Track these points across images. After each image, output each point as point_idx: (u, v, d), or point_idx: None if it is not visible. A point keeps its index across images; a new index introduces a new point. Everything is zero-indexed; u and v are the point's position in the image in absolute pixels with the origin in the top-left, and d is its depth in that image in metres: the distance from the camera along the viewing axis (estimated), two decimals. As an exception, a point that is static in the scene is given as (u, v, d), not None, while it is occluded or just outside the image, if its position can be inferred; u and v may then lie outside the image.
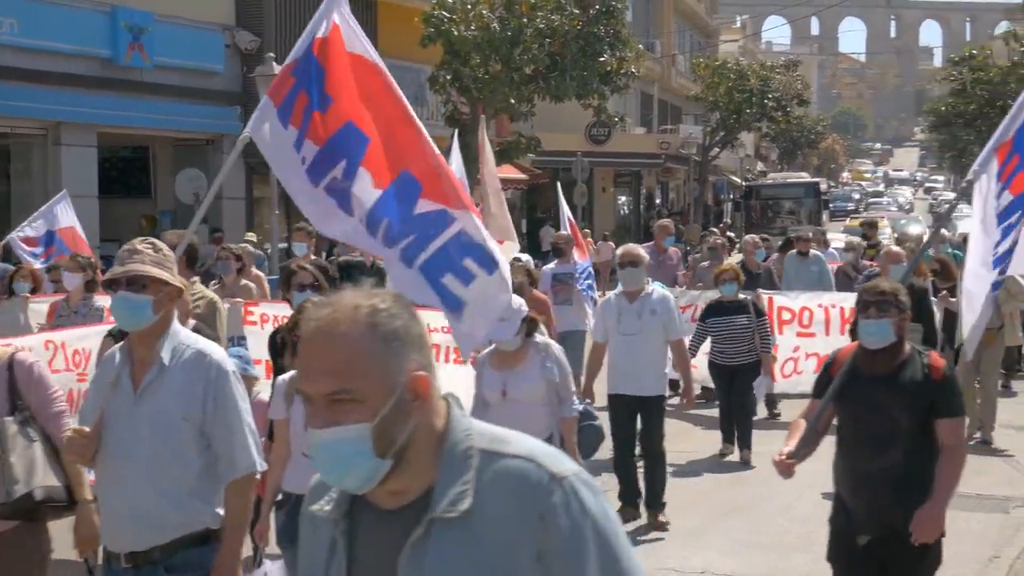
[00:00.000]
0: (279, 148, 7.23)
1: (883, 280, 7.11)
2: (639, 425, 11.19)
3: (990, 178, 7.22)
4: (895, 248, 15.91)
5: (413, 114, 7.27)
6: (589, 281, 15.34)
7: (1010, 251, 7.21)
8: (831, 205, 72.60)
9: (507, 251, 14.03)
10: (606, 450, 11.30)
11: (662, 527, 10.81)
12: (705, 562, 9.86)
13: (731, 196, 72.06)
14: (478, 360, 8.93)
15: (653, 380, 11.00)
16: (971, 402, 14.58)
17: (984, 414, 14.56)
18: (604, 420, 11.13)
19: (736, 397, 13.65)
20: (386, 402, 2.66)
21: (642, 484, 11.18)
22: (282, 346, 9.02)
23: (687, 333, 12.32)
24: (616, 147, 49.94)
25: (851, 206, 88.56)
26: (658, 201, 64.95)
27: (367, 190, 6.95)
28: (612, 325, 11.04)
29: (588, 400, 11.51)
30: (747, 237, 20.38)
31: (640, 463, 11.27)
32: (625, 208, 60.88)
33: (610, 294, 11.56)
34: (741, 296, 13.83)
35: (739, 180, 70.74)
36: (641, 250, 11.52)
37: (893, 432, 6.32)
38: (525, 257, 14.38)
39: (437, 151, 7.24)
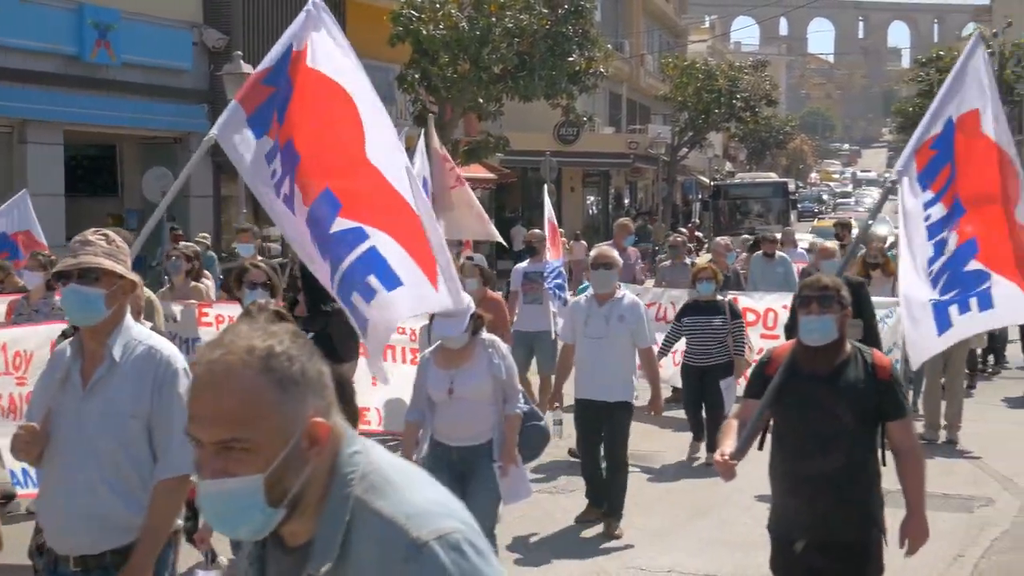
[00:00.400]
0: (251, 158, 7.00)
1: (824, 275, 6.81)
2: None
3: (912, 182, 6.94)
4: (828, 244, 15.88)
5: (370, 128, 7.00)
6: (558, 281, 15.19)
7: (950, 271, 6.87)
8: (799, 206, 72.87)
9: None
10: (555, 451, 11.22)
11: (615, 537, 10.62)
12: (672, 561, 9.89)
13: (699, 196, 72.22)
14: (421, 359, 8.83)
15: (618, 386, 10.81)
16: (937, 402, 14.66)
17: (950, 414, 14.59)
18: (570, 421, 11.17)
19: (708, 397, 13.52)
20: (281, 452, 2.53)
21: None
22: None
23: (656, 342, 12.14)
24: (585, 147, 49.99)
25: (818, 207, 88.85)
26: (627, 201, 65.04)
27: (301, 208, 6.79)
28: (580, 327, 10.93)
29: (558, 404, 11.46)
30: (717, 239, 20.39)
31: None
32: (594, 208, 60.91)
33: (581, 296, 11.42)
34: (718, 297, 13.73)
35: (707, 180, 70.96)
36: (615, 253, 11.35)
37: (836, 433, 6.13)
38: (477, 256, 14.24)
39: (394, 170, 6.97)
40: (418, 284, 6.82)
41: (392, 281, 6.69)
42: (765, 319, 15.19)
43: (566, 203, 53.17)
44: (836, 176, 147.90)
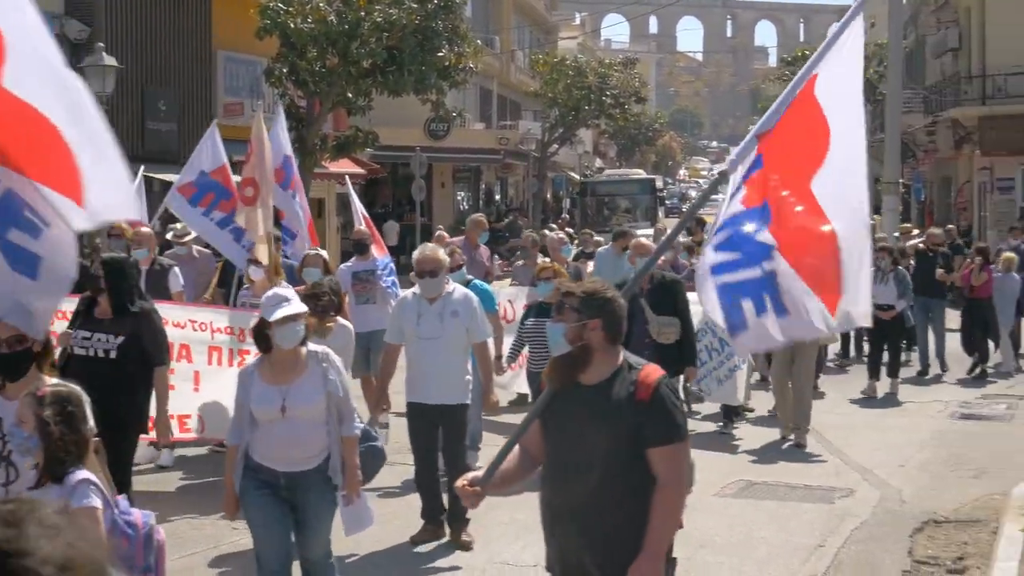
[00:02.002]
0: None
1: (569, 281, 5.96)
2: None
3: (745, 167, 5.95)
4: (644, 241, 15.69)
5: (14, 52, 5.92)
6: (392, 277, 14.91)
7: (730, 228, 5.84)
8: (667, 202, 73.51)
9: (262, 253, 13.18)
10: (401, 447, 10.84)
11: (467, 547, 10.16)
12: (536, 555, 9.79)
13: (570, 192, 72.63)
14: (243, 370, 7.93)
15: (455, 387, 10.26)
16: (789, 402, 14.70)
17: (798, 416, 14.37)
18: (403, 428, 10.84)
19: None
20: None
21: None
22: None
23: (490, 335, 11.02)
24: (455, 142, 49.91)
25: (683, 204, 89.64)
26: (497, 197, 65.16)
27: None
28: (410, 328, 10.23)
29: (385, 407, 10.83)
30: (551, 234, 20.28)
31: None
32: (464, 204, 60.89)
33: (407, 292, 10.80)
34: None
35: (577, 176, 71.34)
36: (440, 253, 10.48)
37: (589, 460, 5.40)
38: (323, 251, 13.84)
39: (43, 90, 5.94)
40: (59, 216, 5.95)
41: (41, 224, 5.92)
42: None
43: (436, 199, 53.14)
44: (704, 173, 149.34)
